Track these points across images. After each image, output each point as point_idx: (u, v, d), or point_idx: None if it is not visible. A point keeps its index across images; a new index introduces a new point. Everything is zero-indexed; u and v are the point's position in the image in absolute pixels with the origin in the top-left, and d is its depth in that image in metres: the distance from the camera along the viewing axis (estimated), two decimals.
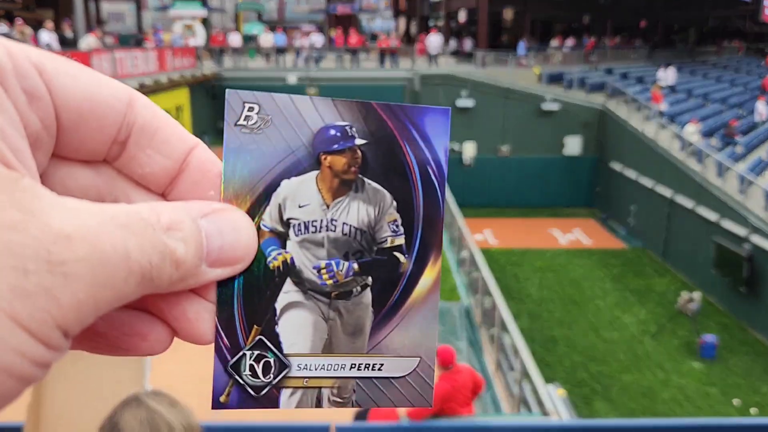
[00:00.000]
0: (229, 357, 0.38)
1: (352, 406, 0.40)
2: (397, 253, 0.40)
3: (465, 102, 23.29)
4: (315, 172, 0.39)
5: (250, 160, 0.37)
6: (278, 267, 0.38)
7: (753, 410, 11.34)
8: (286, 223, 0.39)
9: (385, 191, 0.39)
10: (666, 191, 18.54)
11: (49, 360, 0.28)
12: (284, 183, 0.38)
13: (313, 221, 0.39)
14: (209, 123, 23.65)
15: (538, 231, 21.66)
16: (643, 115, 20.95)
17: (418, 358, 0.40)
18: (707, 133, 20.01)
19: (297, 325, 0.39)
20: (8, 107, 0.28)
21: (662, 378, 12.29)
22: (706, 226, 16.18)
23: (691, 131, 18.28)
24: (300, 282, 0.39)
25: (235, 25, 36.51)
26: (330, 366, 0.40)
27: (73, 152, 0.34)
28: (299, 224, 0.39)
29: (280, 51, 25.32)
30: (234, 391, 0.38)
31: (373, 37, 33.07)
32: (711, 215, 15.95)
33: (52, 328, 0.27)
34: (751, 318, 14.50)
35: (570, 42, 30.69)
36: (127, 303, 0.32)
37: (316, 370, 0.39)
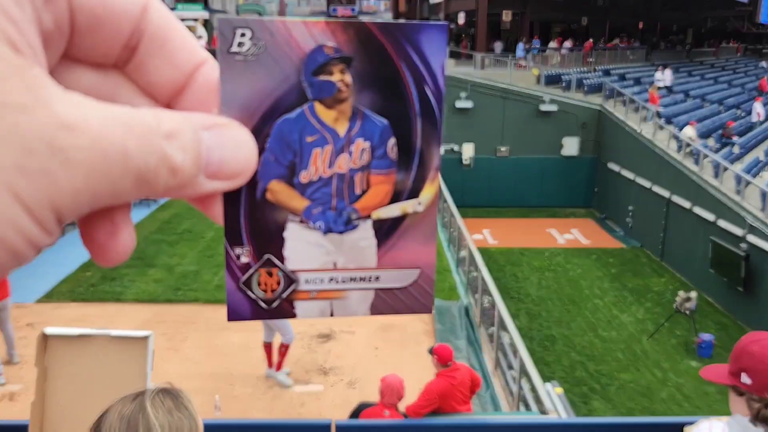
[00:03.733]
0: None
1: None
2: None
3: (464, 103, 23.33)
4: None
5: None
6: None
7: None
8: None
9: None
10: (663, 191, 18.59)
11: (39, 241, 0.30)
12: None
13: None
14: None
15: (537, 231, 21.67)
16: (641, 116, 20.99)
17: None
18: (704, 134, 20.07)
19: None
20: (26, 4, 0.29)
21: (660, 377, 12.28)
22: (703, 226, 16.21)
23: (689, 133, 18.35)
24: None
25: None
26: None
27: (83, 55, 0.34)
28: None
29: None
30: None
31: None
32: (708, 215, 15.99)
33: (47, 209, 0.29)
34: (748, 317, 14.50)
35: (568, 44, 30.78)
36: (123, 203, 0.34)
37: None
